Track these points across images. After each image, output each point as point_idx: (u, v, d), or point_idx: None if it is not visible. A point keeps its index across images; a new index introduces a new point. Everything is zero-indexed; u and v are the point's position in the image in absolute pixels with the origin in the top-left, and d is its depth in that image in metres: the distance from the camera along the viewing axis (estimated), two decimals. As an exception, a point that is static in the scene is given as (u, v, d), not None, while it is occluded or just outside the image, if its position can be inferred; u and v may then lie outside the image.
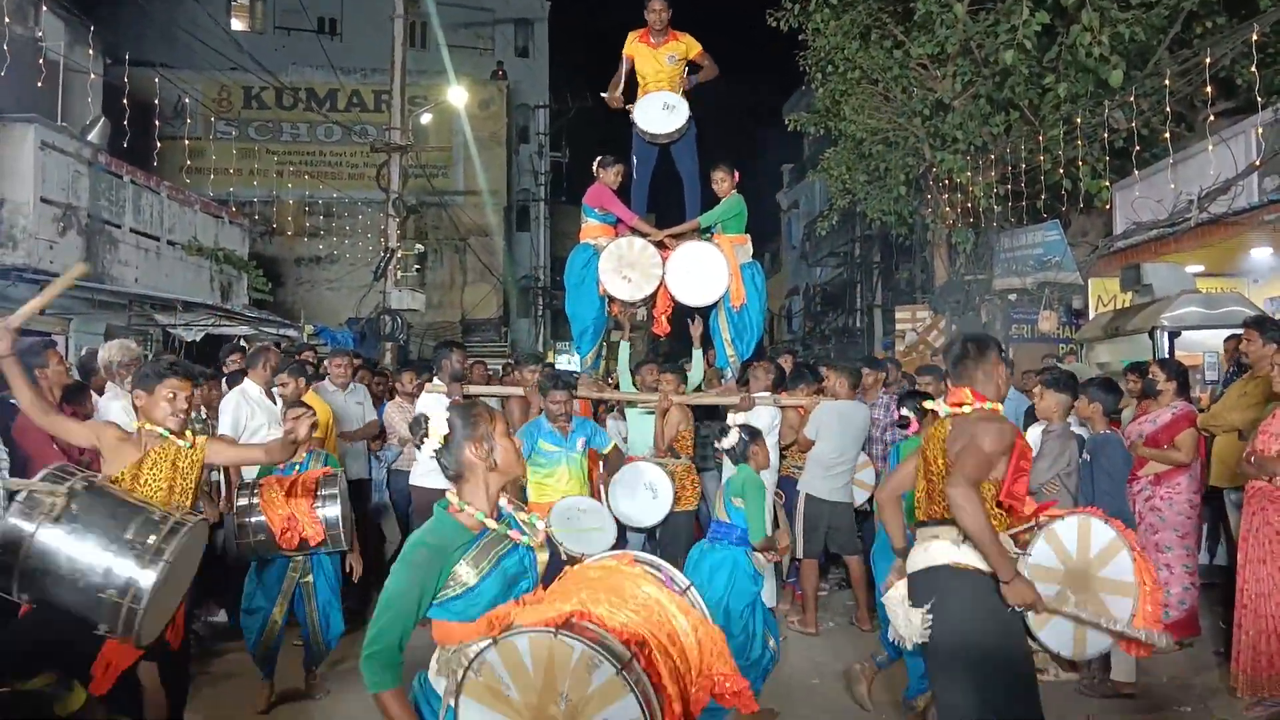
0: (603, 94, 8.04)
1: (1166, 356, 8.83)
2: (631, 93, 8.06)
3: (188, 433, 4.18)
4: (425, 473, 7.32)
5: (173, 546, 3.50)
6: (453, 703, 2.70)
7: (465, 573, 2.79)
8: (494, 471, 2.93)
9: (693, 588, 3.14)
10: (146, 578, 3.42)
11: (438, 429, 2.90)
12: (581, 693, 2.60)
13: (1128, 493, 6.09)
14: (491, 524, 2.89)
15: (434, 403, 7.19)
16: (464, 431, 2.91)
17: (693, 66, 8.01)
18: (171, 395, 4.07)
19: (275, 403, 6.87)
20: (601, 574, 3.00)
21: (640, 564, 3.11)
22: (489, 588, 2.81)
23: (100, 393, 6.47)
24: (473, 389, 7.48)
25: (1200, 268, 11.08)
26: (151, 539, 3.48)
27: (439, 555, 2.78)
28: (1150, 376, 6.66)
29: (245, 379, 7.00)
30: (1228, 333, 7.91)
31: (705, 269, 7.57)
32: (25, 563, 3.37)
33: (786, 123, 18.34)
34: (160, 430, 4.05)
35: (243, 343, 11.78)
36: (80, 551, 3.41)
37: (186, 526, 3.61)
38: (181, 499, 4.06)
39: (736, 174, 7.75)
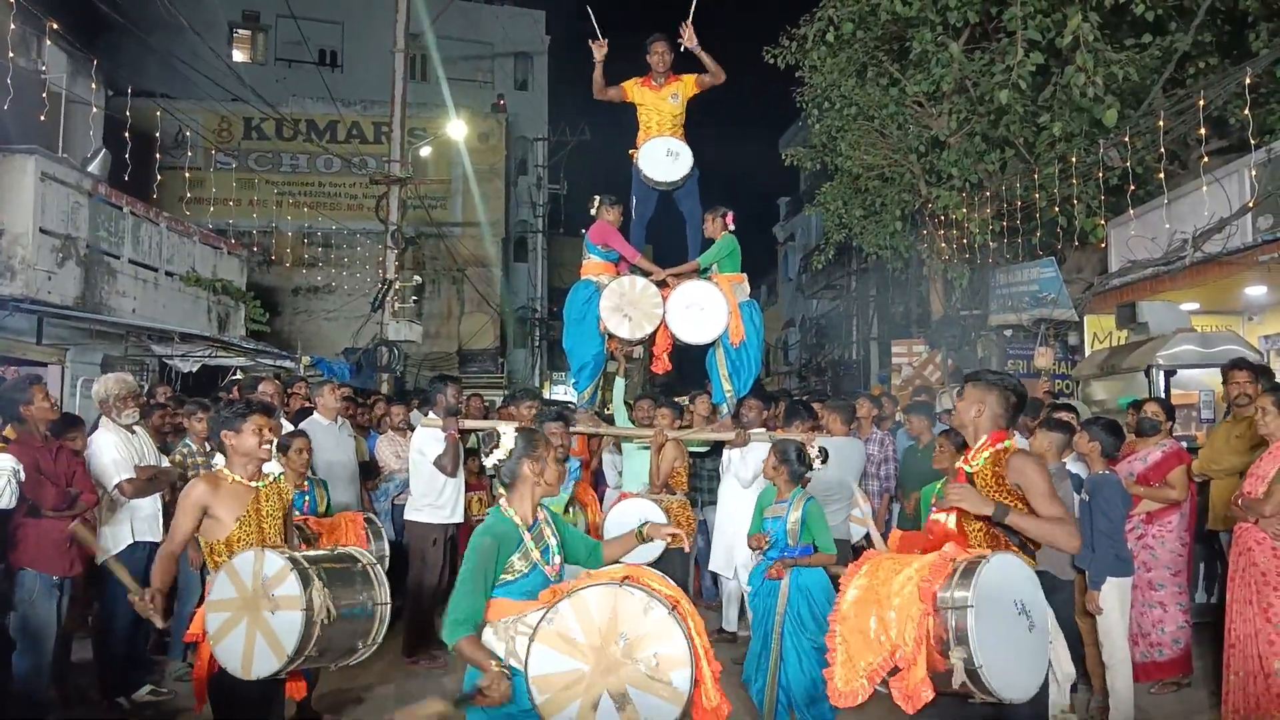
0: (593, 89, 7.94)
1: (1162, 395, 8.84)
2: (632, 131, 8.07)
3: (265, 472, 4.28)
4: (420, 508, 7.32)
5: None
6: (524, 651, 3.31)
7: (518, 563, 3.51)
8: (539, 487, 3.60)
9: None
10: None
11: (506, 444, 3.57)
12: (639, 631, 3.26)
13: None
14: (525, 532, 3.56)
15: (429, 437, 7.19)
16: (524, 449, 3.58)
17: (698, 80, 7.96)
18: (258, 429, 4.15)
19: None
20: (624, 568, 3.58)
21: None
22: (535, 577, 3.53)
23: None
24: (468, 424, 7.48)
25: (1195, 305, 11.12)
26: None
27: (501, 544, 3.47)
28: (1151, 416, 6.67)
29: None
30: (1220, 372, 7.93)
31: (706, 308, 7.60)
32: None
33: (783, 157, 18.47)
34: (235, 477, 4.12)
35: (238, 374, 11.81)
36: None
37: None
38: (275, 538, 4.15)
39: (728, 216, 7.78)
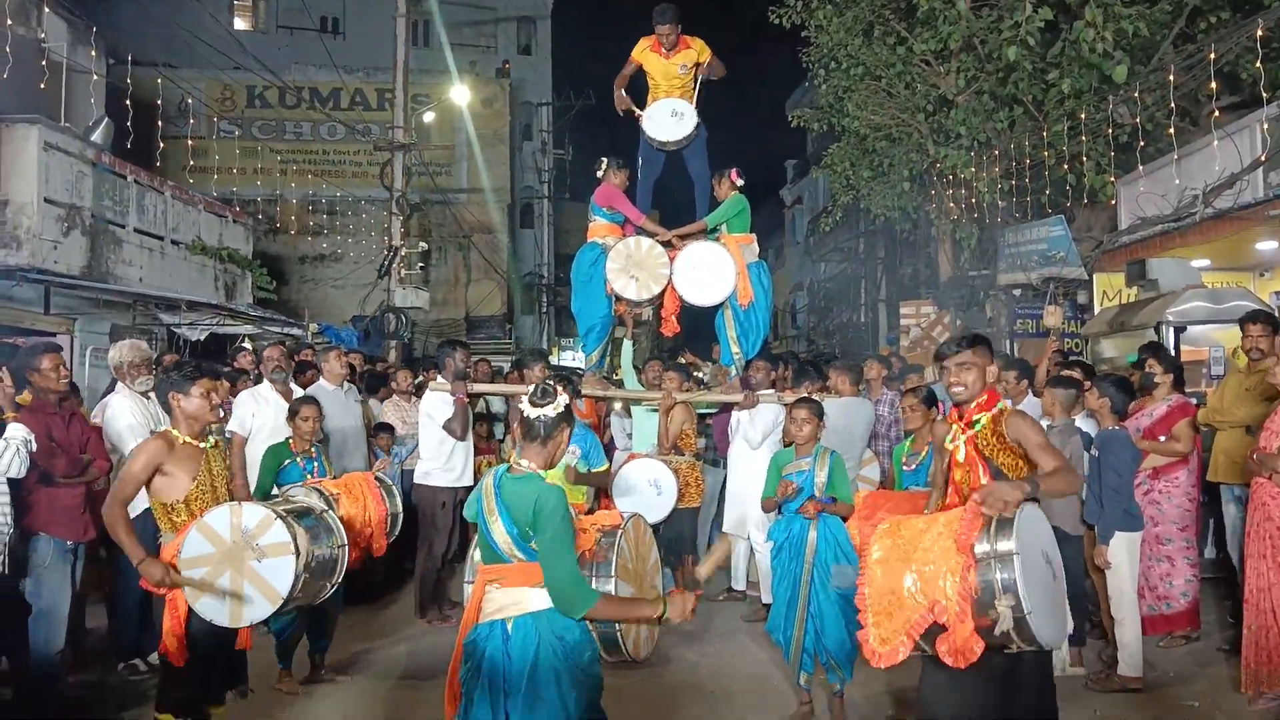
0: (614, 99, 7.99)
1: (1172, 352, 8.80)
2: (641, 92, 8.04)
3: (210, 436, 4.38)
4: (428, 471, 7.35)
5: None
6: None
7: None
8: (552, 464, 3.54)
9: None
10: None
11: (562, 402, 3.48)
12: (649, 545, 4.51)
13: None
14: None
15: (439, 401, 7.20)
16: (566, 419, 3.51)
17: (699, 66, 7.98)
18: (205, 392, 4.27)
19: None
20: None
21: None
22: None
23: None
24: (477, 387, 7.50)
25: (1206, 262, 11.05)
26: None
27: None
28: (1147, 369, 6.66)
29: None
30: (1233, 328, 7.89)
31: (712, 269, 7.56)
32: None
33: (790, 118, 18.32)
34: (186, 438, 4.21)
35: (246, 342, 11.82)
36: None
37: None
38: (225, 497, 4.28)
39: (735, 175, 7.73)
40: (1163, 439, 6.41)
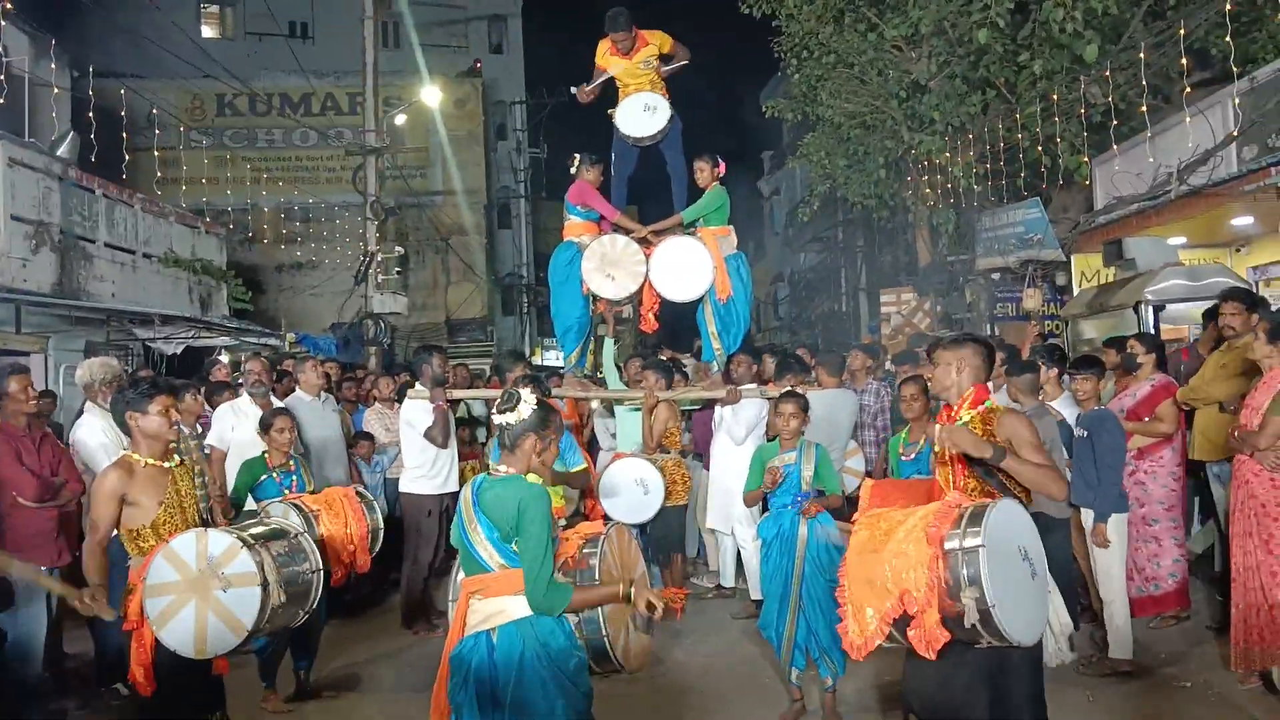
0: (572, 89, 7.96)
1: (1145, 330, 8.81)
2: (611, 92, 7.98)
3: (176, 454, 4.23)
4: (413, 479, 7.26)
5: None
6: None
7: None
8: (534, 463, 3.49)
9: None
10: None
11: (522, 411, 3.46)
12: (635, 555, 4.27)
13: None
14: None
15: (419, 409, 7.12)
16: (535, 424, 3.48)
17: (665, 58, 7.94)
18: (164, 410, 4.09)
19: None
20: None
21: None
22: None
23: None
24: (456, 393, 7.42)
25: (1183, 240, 11.07)
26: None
27: None
28: (1129, 350, 6.65)
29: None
30: (1211, 304, 7.89)
31: (689, 264, 7.50)
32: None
33: (764, 109, 18.27)
34: (149, 460, 4.06)
35: (223, 355, 11.70)
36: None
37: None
38: (195, 519, 4.14)
39: (721, 165, 7.68)
40: (1146, 419, 6.40)
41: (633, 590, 3.48)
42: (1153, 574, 6.34)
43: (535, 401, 3.51)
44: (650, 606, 3.46)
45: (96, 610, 3.87)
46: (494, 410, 3.54)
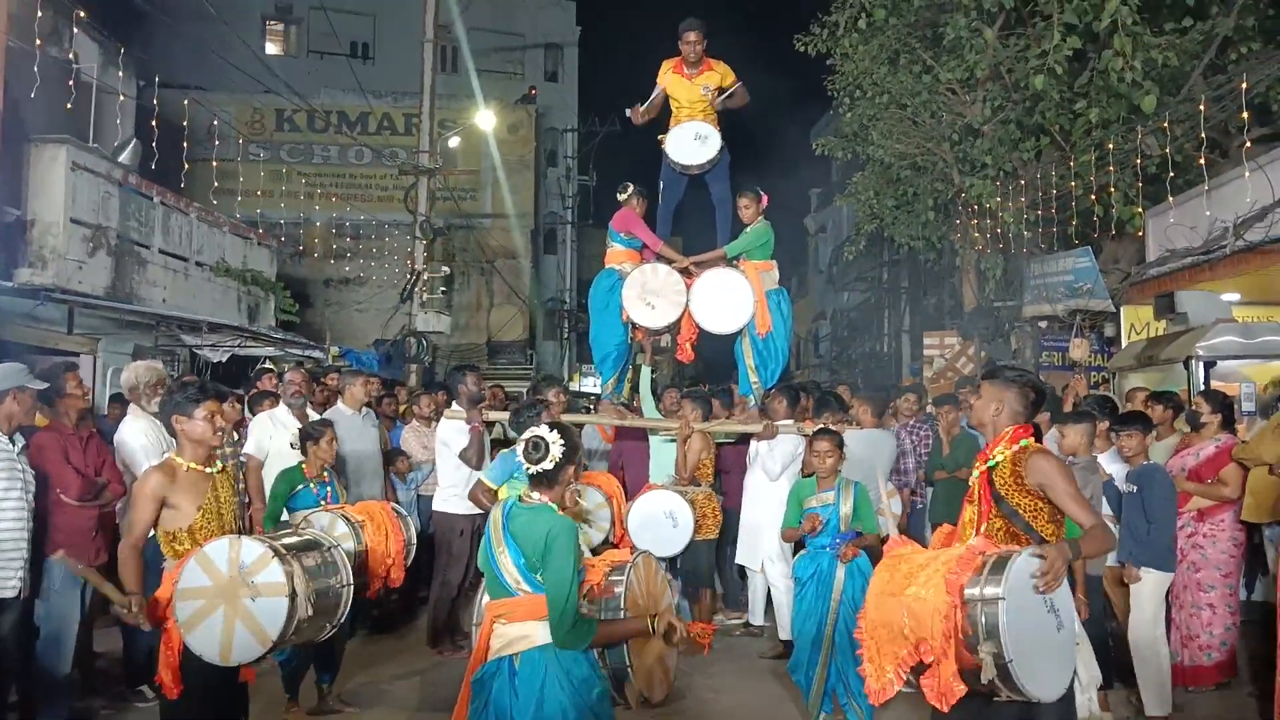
0: (626, 110, 7.99)
1: (1207, 388, 8.61)
2: (664, 115, 8.00)
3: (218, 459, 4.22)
4: (447, 498, 7.27)
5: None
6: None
7: None
8: (560, 501, 3.52)
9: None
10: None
11: (555, 453, 3.46)
12: (663, 585, 4.53)
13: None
14: None
15: (454, 430, 7.14)
16: (569, 456, 3.50)
17: (722, 91, 7.93)
18: (209, 415, 4.10)
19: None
20: None
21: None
22: None
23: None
24: (492, 415, 7.42)
25: (1236, 296, 10.86)
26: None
27: None
28: (1194, 409, 6.51)
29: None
30: (1265, 364, 7.72)
31: (730, 296, 7.48)
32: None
33: (814, 147, 18.26)
34: (191, 464, 4.08)
35: (268, 364, 11.83)
36: None
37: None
38: (233, 525, 4.13)
39: (764, 198, 7.67)
40: (1209, 481, 6.24)
41: (655, 622, 3.43)
42: (1205, 643, 6.15)
43: (559, 437, 3.48)
44: (671, 628, 3.43)
45: (138, 620, 3.85)
46: (526, 464, 3.51)
